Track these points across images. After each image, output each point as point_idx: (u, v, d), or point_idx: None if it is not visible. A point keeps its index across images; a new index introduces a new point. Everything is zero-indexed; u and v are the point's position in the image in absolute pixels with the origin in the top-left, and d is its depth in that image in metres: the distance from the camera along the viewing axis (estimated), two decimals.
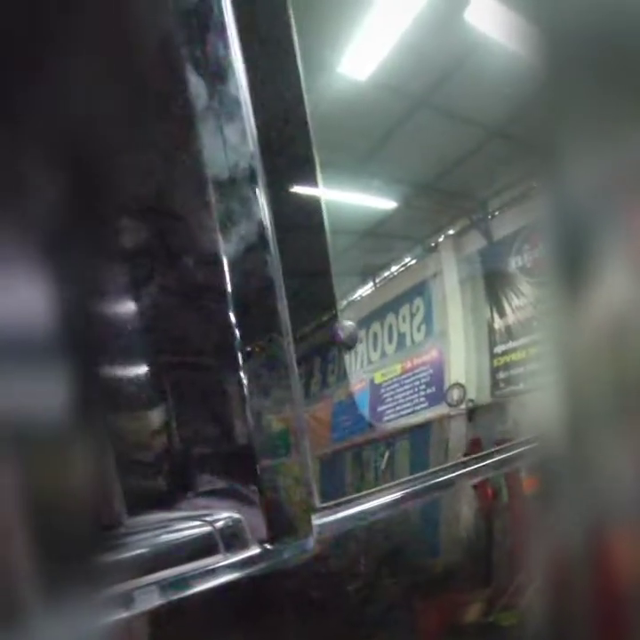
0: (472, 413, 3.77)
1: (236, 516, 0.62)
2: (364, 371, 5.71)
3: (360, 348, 5.88)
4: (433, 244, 4.53)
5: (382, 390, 5.44)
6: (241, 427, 0.65)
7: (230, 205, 0.63)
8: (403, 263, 4.87)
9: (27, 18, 0.51)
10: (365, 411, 5.49)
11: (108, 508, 0.59)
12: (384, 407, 5.35)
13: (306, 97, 0.85)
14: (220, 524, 0.60)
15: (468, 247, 4.22)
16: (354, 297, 5.73)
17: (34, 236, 0.51)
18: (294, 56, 0.81)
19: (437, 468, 1.00)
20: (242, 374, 0.64)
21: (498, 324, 3.97)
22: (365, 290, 5.67)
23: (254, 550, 0.61)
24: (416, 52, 2.85)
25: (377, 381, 5.50)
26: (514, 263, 3.46)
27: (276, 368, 0.68)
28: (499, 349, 4.04)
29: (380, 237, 4.26)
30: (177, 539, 0.57)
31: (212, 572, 0.57)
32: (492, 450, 1.10)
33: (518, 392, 3.00)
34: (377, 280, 5.45)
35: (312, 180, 0.85)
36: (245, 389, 0.65)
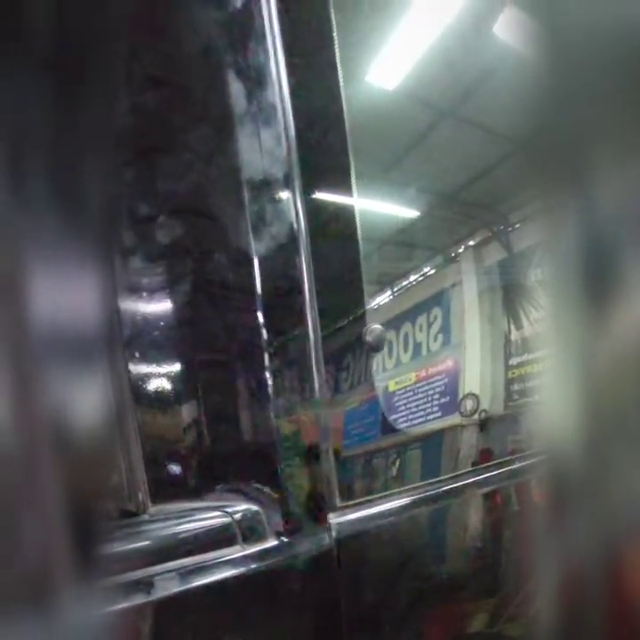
0: (485, 424, 3.75)
1: (255, 508, 0.64)
2: (379, 378, 5.70)
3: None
4: (453, 255, 4.54)
5: (396, 398, 5.43)
6: (264, 424, 0.67)
7: (263, 207, 0.64)
8: (422, 272, 4.88)
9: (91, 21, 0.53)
10: (378, 418, 5.49)
11: (133, 495, 0.61)
12: (397, 415, 5.34)
13: (345, 105, 0.86)
14: (238, 515, 0.63)
15: (489, 258, 4.22)
16: (371, 304, 5.71)
17: (86, 231, 0.51)
18: (335, 64, 0.84)
19: (448, 476, 1.03)
20: (267, 373, 0.65)
21: (514, 335, 3.96)
22: (383, 298, 5.67)
23: (271, 542, 0.63)
24: (444, 64, 2.87)
25: (391, 389, 5.49)
26: (533, 276, 3.46)
27: (300, 368, 0.69)
28: (514, 361, 4.03)
29: (400, 246, 4.28)
30: (197, 528, 0.60)
31: (229, 562, 0.59)
32: (503, 459, 1.12)
33: (532, 404, 3.00)
34: (395, 288, 5.46)
35: (347, 187, 0.86)
36: (269, 388, 0.66)
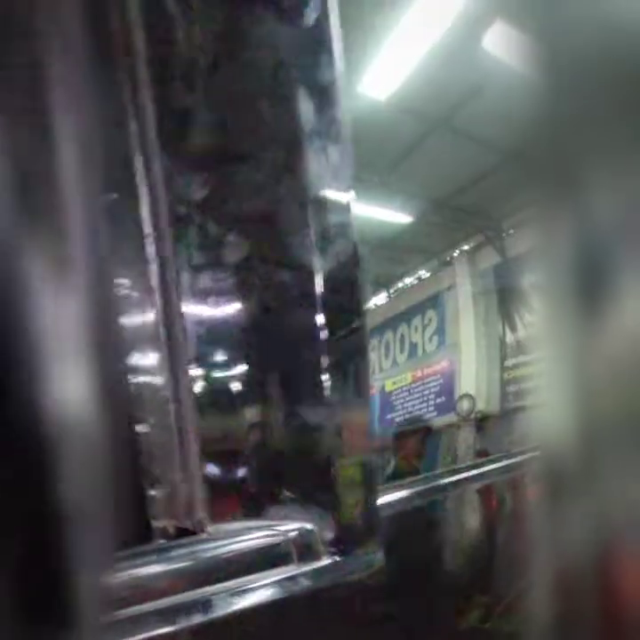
0: (480, 424, 3.78)
1: (309, 527, 0.58)
2: (376, 378, 5.74)
3: (372, 355, 5.89)
4: (448, 259, 4.58)
5: (392, 398, 5.49)
6: (320, 436, 0.66)
7: (327, 223, 0.65)
8: (417, 275, 4.93)
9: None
10: (375, 417, 5.51)
11: (191, 513, 0.62)
12: (393, 414, 5.40)
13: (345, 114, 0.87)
14: (293, 534, 0.56)
15: (483, 263, 4.25)
16: (368, 306, 5.76)
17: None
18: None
19: (443, 470, 0.97)
20: (326, 383, 0.64)
21: (509, 338, 3.99)
22: (380, 299, 5.72)
23: (325, 561, 0.63)
24: (435, 76, 2.90)
25: (387, 389, 5.55)
26: (527, 280, 3.47)
27: (355, 377, 0.69)
28: (509, 363, 4.06)
29: (396, 250, 4.32)
30: (252, 547, 0.53)
31: (285, 582, 0.58)
32: (496, 455, 1.07)
33: (527, 405, 3.03)
34: (391, 291, 5.51)
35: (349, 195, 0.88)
36: (329, 398, 0.65)
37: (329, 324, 0.64)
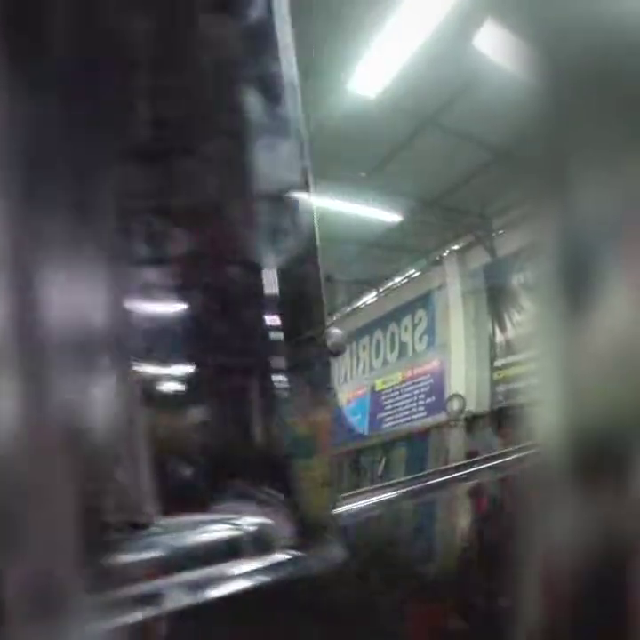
0: (470, 424, 3.76)
1: (266, 520, 0.59)
2: (366, 377, 5.74)
3: (363, 354, 5.90)
4: (438, 258, 4.54)
5: (382, 397, 5.47)
6: (275, 433, 0.63)
7: (279, 217, 0.62)
8: (407, 275, 4.89)
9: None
10: (365, 417, 5.52)
11: (142, 506, 0.55)
12: (384, 414, 5.38)
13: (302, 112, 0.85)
14: (249, 528, 0.58)
15: (473, 262, 4.24)
16: (358, 304, 5.76)
17: (99, 236, 0.51)
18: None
19: (432, 471, 1.05)
20: (280, 380, 0.63)
21: (499, 338, 3.97)
22: (369, 298, 5.69)
23: (282, 556, 0.58)
24: (425, 74, 2.88)
25: (378, 388, 5.53)
26: (516, 280, 3.47)
27: (313, 373, 0.65)
28: (499, 363, 4.05)
29: (385, 249, 4.29)
30: (206, 540, 0.56)
31: (240, 576, 0.55)
32: (486, 456, 1.05)
33: (516, 405, 3.01)
34: (381, 289, 5.47)
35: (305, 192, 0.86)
36: (282, 395, 0.63)
37: (283, 323, 0.62)
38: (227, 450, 0.64)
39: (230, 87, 0.62)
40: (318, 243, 0.82)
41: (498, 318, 3.98)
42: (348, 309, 5.64)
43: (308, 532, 0.61)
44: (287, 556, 0.58)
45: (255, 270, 0.63)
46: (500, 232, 3.78)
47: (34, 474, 0.40)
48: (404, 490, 0.83)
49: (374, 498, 0.79)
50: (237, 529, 0.58)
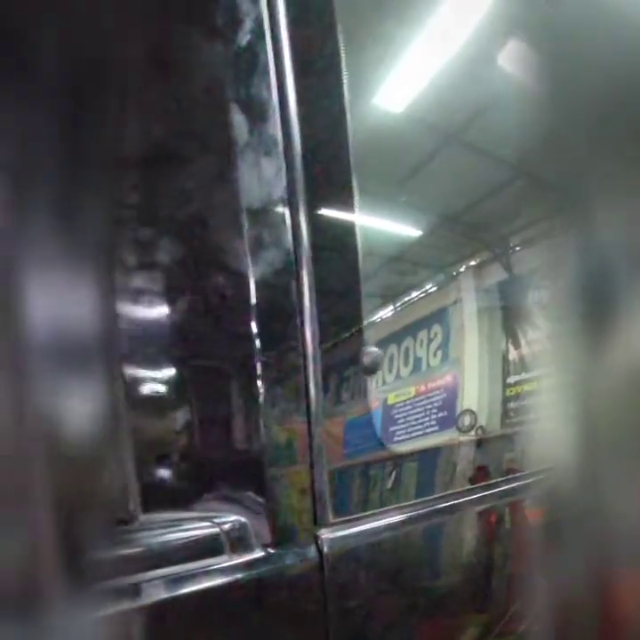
0: (481, 440, 3.85)
1: (243, 519, 0.65)
2: (378, 390, 5.72)
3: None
4: (454, 273, 4.60)
5: (394, 411, 5.46)
6: (254, 435, 0.67)
7: (261, 231, 0.67)
8: (424, 289, 4.94)
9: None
10: (377, 430, 5.45)
11: (124, 503, 0.61)
12: (395, 428, 5.36)
13: (349, 129, 0.91)
14: (226, 526, 0.63)
15: (489, 279, 4.28)
16: (374, 318, 5.75)
17: (84, 241, 0.53)
18: (341, 88, 0.87)
19: (443, 494, 1.08)
20: (258, 384, 0.66)
21: (512, 355, 4.02)
22: (386, 312, 5.72)
23: (257, 554, 0.64)
24: (450, 90, 2.96)
25: (390, 402, 5.53)
26: (532, 297, 3.52)
27: (292, 381, 0.71)
28: (511, 380, 4.09)
29: (404, 263, 4.34)
30: (185, 537, 0.61)
31: (216, 572, 0.59)
32: (499, 479, 1.17)
33: (528, 423, 3.05)
34: (397, 304, 5.51)
35: (350, 207, 0.92)
36: (260, 399, 0.67)
37: (262, 326, 0.66)
38: (210, 451, 0.68)
39: (219, 105, 0.66)
40: (360, 259, 0.88)
41: (512, 335, 4.03)
42: (365, 324, 5.65)
43: (285, 532, 0.67)
44: (263, 554, 0.65)
45: (237, 277, 0.66)
46: (518, 249, 3.85)
47: (13, 472, 0.43)
48: (413, 513, 0.87)
49: (381, 520, 0.82)
50: (215, 526, 0.63)
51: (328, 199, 0.84)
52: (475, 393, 4.18)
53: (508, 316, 3.92)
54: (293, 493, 0.68)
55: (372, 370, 1.01)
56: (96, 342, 0.53)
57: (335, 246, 0.86)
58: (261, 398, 0.67)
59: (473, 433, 3.85)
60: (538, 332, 3.37)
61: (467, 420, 3.96)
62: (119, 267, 0.64)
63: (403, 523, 0.90)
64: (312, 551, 0.69)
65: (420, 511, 0.95)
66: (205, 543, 0.61)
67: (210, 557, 0.60)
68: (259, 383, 0.66)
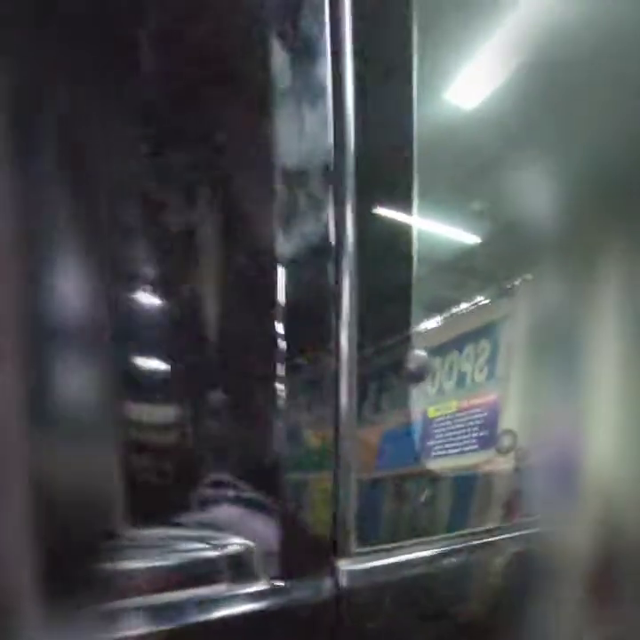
0: (520, 462, 3.66)
1: (249, 543, 0.55)
2: (419, 403, 5.63)
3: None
4: (509, 287, 4.46)
5: (434, 425, 5.36)
6: (268, 445, 0.59)
7: (297, 201, 0.57)
8: (475, 302, 4.81)
9: None
10: (415, 443, 5.38)
11: (107, 515, 0.51)
12: (433, 442, 5.26)
13: (415, 119, 0.81)
14: (228, 549, 0.54)
15: (545, 294, 4.13)
16: (419, 328, 5.67)
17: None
18: (409, 37, 0.77)
19: (479, 530, 0.96)
20: (279, 389, 0.58)
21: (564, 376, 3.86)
22: (432, 323, 5.61)
23: (262, 585, 0.55)
24: (522, 91, 2.83)
25: (430, 416, 5.43)
26: (602, 318, 3.36)
27: (323, 386, 0.62)
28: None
29: (456, 272, 4.23)
30: (178, 560, 0.51)
31: (213, 603, 0.51)
32: (538, 516, 1.05)
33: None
34: (445, 315, 5.40)
35: (407, 206, 0.84)
36: (282, 405, 0.58)
37: (289, 321, 0.56)
38: (214, 463, 0.58)
39: (257, 45, 0.56)
40: (414, 262, 0.78)
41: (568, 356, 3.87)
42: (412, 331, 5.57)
43: (301, 558, 0.57)
44: (270, 586, 0.54)
45: (264, 260, 0.57)
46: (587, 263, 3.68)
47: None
48: (453, 546, 0.76)
49: (415, 552, 0.72)
50: (214, 549, 0.54)
51: (382, 171, 0.74)
52: (518, 413, 4.05)
53: (565, 336, 3.77)
54: (311, 515, 0.59)
55: (418, 377, 0.95)
56: (84, 332, 0.48)
57: (386, 237, 0.78)
58: (280, 403, 0.58)
59: (512, 454, 3.72)
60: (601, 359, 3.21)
61: (507, 441, 3.83)
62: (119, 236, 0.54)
63: (441, 556, 0.79)
64: (328, 584, 0.59)
65: (461, 544, 0.84)
66: (201, 568, 0.52)
67: (204, 586, 0.52)
68: (277, 386, 0.57)
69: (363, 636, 0.61)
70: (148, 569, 0.49)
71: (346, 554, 0.62)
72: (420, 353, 0.88)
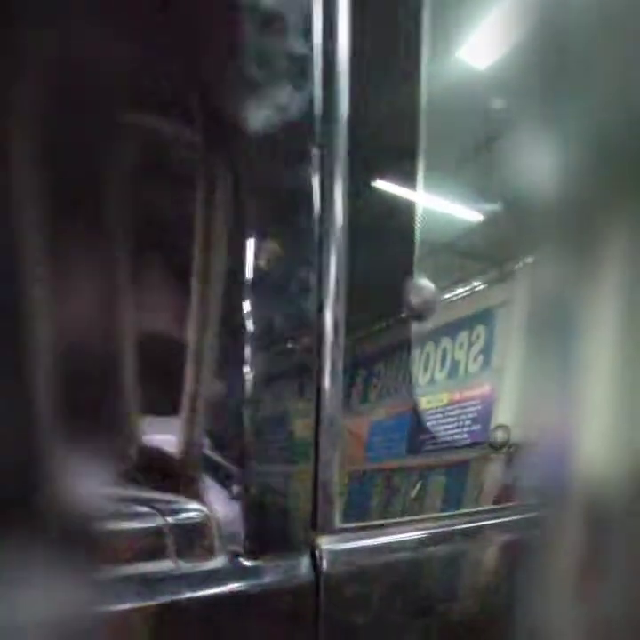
0: (512, 457, 3.61)
1: (206, 511, 0.48)
2: (411, 393, 5.60)
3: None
4: (509, 270, 4.31)
5: (425, 418, 5.30)
6: (238, 410, 0.56)
7: (271, 174, 0.55)
8: (471, 286, 4.67)
9: None
10: (405, 435, 5.40)
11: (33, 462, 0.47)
12: (424, 436, 5.19)
13: (423, 82, 0.82)
14: (177, 517, 0.47)
15: (551, 280, 4.02)
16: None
17: None
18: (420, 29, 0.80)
19: (467, 511, 0.91)
20: (245, 355, 0.56)
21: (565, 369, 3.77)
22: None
23: (220, 562, 0.47)
24: (537, 54, 2.66)
25: (421, 408, 5.37)
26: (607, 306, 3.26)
27: (301, 370, 0.60)
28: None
29: (454, 254, 4.09)
30: (114, 528, 0.45)
31: (155, 583, 0.43)
32: (530, 503, 1.02)
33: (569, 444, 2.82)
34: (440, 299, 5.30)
35: (410, 178, 0.88)
36: (251, 382, 0.56)
37: (256, 299, 0.58)
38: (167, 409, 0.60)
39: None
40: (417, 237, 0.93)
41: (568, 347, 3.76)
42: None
43: (272, 531, 0.54)
44: (231, 565, 0.48)
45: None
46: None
47: None
48: (432, 531, 0.74)
49: (397, 535, 0.68)
50: (159, 515, 0.50)
51: (380, 142, 0.82)
52: (513, 406, 4.06)
53: (568, 325, 3.67)
54: (285, 486, 0.54)
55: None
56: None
57: (379, 214, 0.81)
58: (250, 376, 0.56)
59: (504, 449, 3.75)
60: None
61: (500, 436, 3.80)
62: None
63: (432, 538, 0.73)
64: (305, 565, 0.52)
65: (450, 527, 0.78)
66: (140, 540, 0.45)
67: (145, 561, 0.44)
68: (247, 354, 0.56)
69: (347, 630, 0.57)
70: (65, 535, 0.43)
71: (328, 529, 0.56)
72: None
